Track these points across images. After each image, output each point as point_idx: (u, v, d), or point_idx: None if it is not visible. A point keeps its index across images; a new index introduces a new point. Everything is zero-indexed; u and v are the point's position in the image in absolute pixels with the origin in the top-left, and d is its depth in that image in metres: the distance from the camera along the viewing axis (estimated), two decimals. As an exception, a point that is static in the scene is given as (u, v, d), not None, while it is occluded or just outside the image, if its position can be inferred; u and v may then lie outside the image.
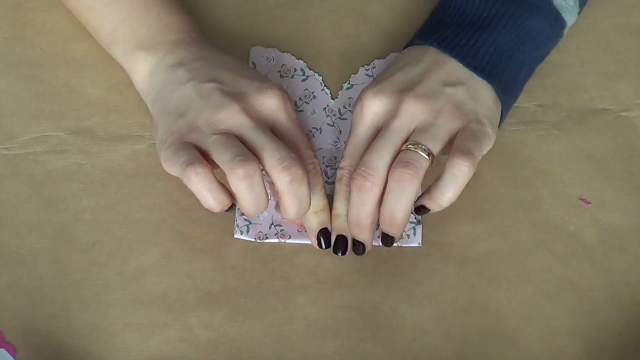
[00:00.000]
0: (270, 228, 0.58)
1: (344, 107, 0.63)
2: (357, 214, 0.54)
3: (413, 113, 0.54)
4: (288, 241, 0.58)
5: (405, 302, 0.56)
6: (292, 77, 0.63)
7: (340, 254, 0.57)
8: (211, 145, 0.52)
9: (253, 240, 0.58)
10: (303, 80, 0.63)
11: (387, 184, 0.53)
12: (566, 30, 0.61)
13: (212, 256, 0.57)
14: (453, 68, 0.56)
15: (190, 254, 0.57)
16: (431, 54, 0.57)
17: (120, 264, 0.57)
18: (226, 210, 0.53)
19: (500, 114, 0.58)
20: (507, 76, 0.57)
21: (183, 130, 0.53)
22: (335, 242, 0.57)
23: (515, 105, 0.61)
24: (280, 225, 0.58)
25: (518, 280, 0.57)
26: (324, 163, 0.61)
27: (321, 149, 0.61)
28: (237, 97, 0.54)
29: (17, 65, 0.63)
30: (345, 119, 0.62)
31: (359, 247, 0.56)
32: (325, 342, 0.55)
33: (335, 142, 0.61)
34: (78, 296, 0.56)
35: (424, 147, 0.53)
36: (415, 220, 0.59)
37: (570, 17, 0.60)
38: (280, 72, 0.63)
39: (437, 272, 0.57)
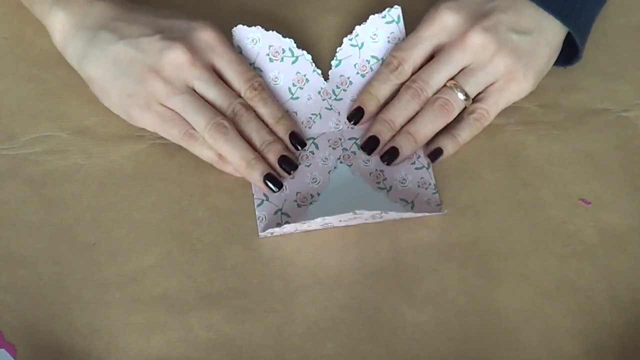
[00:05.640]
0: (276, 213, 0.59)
1: (337, 86, 0.63)
2: (397, 115, 0.59)
3: (477, 46, 0.58)
4: (306, 224, 0.57)
5: (405, 302, 0.56)
6: (282, 59, 0.62)
7: (369, 153, 0.60)
8: (178, 108, 0.57)
9: (276, 227, 0.57)
10: (293, 62, 0.63)
11: (425, 105, 0.59)
12: None
13: (212, 256, 0.57)
14: (527, 11, 0.58)
15: (190, 254, 0.57)
16: None
17: (120, 264, 0.57)
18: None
19: (553, 60, 0.61)
20: (583, 17, 0.59)
21: (137, 89, 0.57)
22: (367, 141, 0.60)
23: (515, 105, 0.61)
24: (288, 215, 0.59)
25: (518, 280, 0.57)
26: (330, 146, 0.61)
27: (324, 133, 0.61)
28: (175, 39, 0.57)
29: (17, 65, 0.63)
30: (340, 99, 0.62)
31: (391, 153, 0.59)
32: (325, 342, 0.55)
33: (337, 124, 0.62)
34: (78, 296, 0.56)
35: (464, 91, 0.58)
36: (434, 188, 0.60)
37: None
38: (268, 54, 0.62)
39: (437, 272, 0.57)
